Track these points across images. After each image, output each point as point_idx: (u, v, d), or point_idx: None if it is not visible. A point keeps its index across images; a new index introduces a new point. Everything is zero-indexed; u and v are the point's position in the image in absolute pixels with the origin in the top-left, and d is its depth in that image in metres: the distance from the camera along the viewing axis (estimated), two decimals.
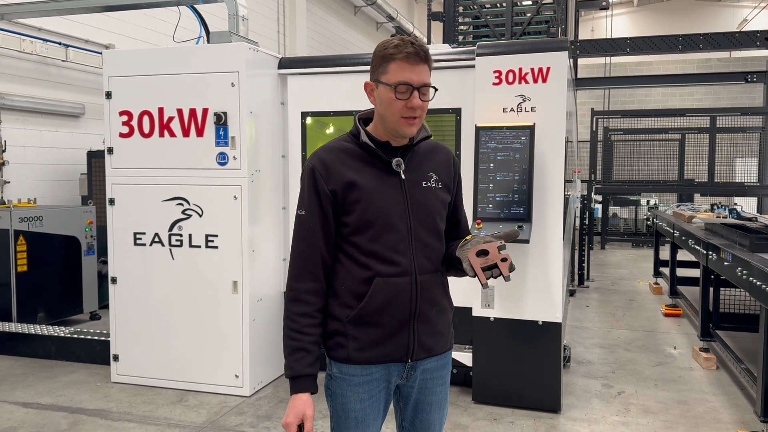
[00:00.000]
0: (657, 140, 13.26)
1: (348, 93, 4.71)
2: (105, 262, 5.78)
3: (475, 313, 4.35)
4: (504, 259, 1.83)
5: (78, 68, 7.88)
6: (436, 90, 1.94)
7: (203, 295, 4.62)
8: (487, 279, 1.84)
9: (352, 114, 4.71)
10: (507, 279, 1.84)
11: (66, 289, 6.57)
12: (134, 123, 4.70)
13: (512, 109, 4.21)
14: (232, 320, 4.56)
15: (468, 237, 1.97)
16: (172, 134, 4.62)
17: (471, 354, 4.45)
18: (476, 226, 4.09)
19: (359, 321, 1.92)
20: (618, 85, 13.73)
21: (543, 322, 4.22)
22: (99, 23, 8.05)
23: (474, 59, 4.33)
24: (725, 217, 6.45)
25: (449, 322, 2.09)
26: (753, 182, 11.08)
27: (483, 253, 1.84)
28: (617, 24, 21.30)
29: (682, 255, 7.19)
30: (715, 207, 7.29)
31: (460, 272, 1.97)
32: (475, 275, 1.86)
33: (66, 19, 7.52)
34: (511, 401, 4.33)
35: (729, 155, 12.01)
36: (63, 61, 7.60)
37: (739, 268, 3.93)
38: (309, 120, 4.91)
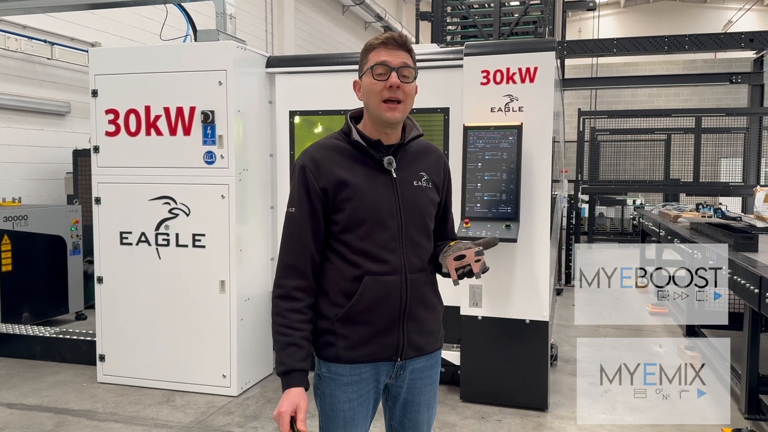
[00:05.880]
0: (643, 140, 13.33)
1: (336, 92, 4.70)
2: (91, 262, 5.74)
3: (463, 312, 4.37)
4: (477, 260, 1.91)
5: (64, 66, 7.81)
6: (416, 71, 1.93)
7: (190, 295, 4.59)
8: (460, 278, 1.93)
9: (340, 113, 4.70)
10: (477, 277, 1.92)
11: (51, 289, 6.51)
12: (121, 121, 4.67)
13: (500, 109, 4.23)
14: (220, 320, 4.54)
15: (452, 243, 1.99)
16: (159, 133, 4.59)
17: (459, 353, 4.46)
18: (464, 225, 4.10)
19: (348, 319, 1.91)
20: (605, 85, 13.80)
21: (530, 320, 4.24)
22: (85, 21, 7.98)
23: (462, 59, 4.34)
24: (710, 217, 6.51)
25: (439, 321, 2.10)
26: (737, 182, 11.16)
27: (461, 257, 1.92)
28: (604, 25, 21.42)
29: (668, 254, 7.24)
30: (701, 206, 7.34)
31: (444, 274, 2.03)
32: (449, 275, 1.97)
33: (51, 16, 7.45)
34: (498, 400, 4.35)
35: (714, 155, 12.10)
36: (48, 59, 7.52)
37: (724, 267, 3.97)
38: (297, 119, 4.90)
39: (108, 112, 4.69)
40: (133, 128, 4.65)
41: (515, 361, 4.29)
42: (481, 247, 1.92)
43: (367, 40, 1.97)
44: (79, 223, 6.76)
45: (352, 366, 1.94)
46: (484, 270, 1.91)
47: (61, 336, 5.38)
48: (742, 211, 10.15)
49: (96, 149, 4.75)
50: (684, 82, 13.01)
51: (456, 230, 2.81)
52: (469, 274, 1.91)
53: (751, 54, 10.74)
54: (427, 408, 2.10)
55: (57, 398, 4.57)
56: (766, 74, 10.67)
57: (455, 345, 4.54)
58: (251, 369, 4.74)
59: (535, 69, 4.15)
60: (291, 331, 1.89)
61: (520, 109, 4.19)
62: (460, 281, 1.94)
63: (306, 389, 1.89)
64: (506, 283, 4.27)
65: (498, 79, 4.23)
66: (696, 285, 5.54)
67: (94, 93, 4.73)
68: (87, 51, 5.15)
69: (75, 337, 5.32)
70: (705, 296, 5.59)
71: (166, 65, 4.57)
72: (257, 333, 4.77)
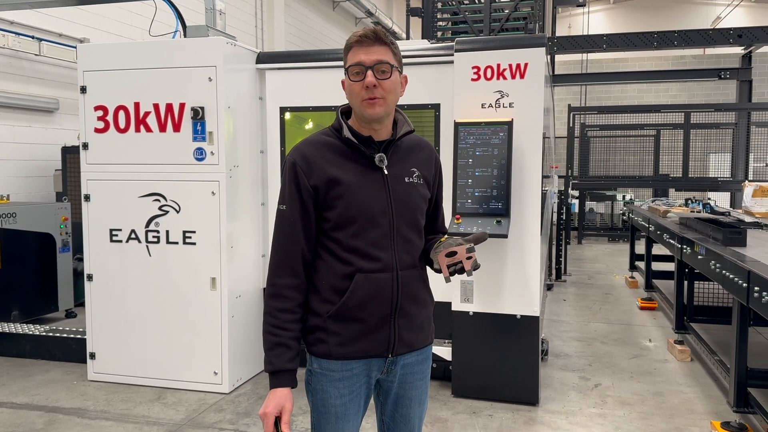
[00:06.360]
0: (632, 136, 13.42)
1: (327, 88, 4.69)
2: (81, 260, 5.70)
3: (454, 308, 4.38)
4: (469, 258, 1.92)
5: (51, 62, 7.75)
6: (392, 66, 1.89)
7: (181, 292, 4.58)
8: (451, 274, 1.94)
9: (331, 109, 4.69)
10: (469, 274, 1.93)
11: (41, 286, 6.47)
12: (110, 118, 4.64)
13: (491, 105, 4.24)
14: (211, 317, 4.53)
15: (443, 239, 1.99)
16: (148, 129, 4.57)
17: (450, 348, 4.47)
18: (455, 221, 4.11)
19: (340, 316, 1.91)
20: (594, 81, 13.87)
21: (521, 315, 4.26)
22: (73, 17, 7.92)
23: (453, 55, 4.34)
24: (699, 212, 6.55)
25: (430, 316, 2.10)
26: (726, 177, 11.25)
27: (452, 254, 1.92)
28: (594, 21, 21.50)
29: (657, 249, 7.30)
30: (690, 201, 7.39)
31: (436, 270, 2.05)
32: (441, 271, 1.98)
33: (39, 12, 7.39)
34: (490, 395, 4.37)
35: (703, 151, 12.20)
36: (36, 55, 7.46)
37: (713, 262, 4.00)
38: (288, 115, 4.89)
39: (97, 108, 4.66)
40: (122, 125, 4.62)
41: (506, 356, 4.30)
42: (471, 244, 1.92)
43: None
44: (69, 220, 6.72)
45: (344, 362, 1.94)
46: (476, 267, 1.92)
47: (50, 334, 5.35)
48: (731, 206, 10.23)
49: (85, 146, 4.72)
50: (673, 78, 13.06)
51: (447, 226, 2.82)
52: (461, 271, 1.92)
53: (739, 50, 10.80)
54: (418, 403, 2.10)
55: (47, 396, 4.54)
56: (754, 70, 10.74)
57: (447, 340, 4.55)
58: (243, 366, 4.74)
59: (526, 65, 4.16)
60: (280, 331, 1.90)
61: (510, 105, 4.20)
62: (451, 278, 1.95)
63: (293, 387, 1.90)
64: (497, 278, 4.28)
65: (488, 75, 4.23)
66: (685, 280, 5.60)
67: (83, 89, 4.69)
68: (75, 47, 5.11)
69: (65, 335, 5.29)
70: (694, 291, 5.64)
71: (156, 61, 4.54)
72: (249, 330, 4.76)
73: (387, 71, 1.88)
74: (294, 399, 1.91)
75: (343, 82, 1.96)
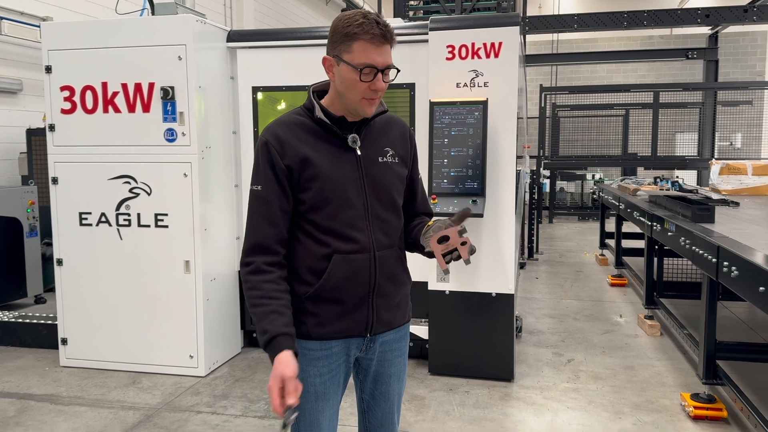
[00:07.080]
0: (602, 116, 13.58)
1: (300, 67, 4.65)
2: (49, 244, 5.58)
3: (431, 287, 4.40)
4: (464, 243, 1.85)
5: (13, 42, 7.50)
6: (398, 71, 1.90)
7: (154, 276, 4.52)
8: (448, 264, 1.87)
9: (304, 89, 4.64)
10: (467, 262, 1.87)
11: (8, 272, 6.33)
12: (77, 98, 4.52)
13: (465, 84, 4.23)
14: (185, 300, 4.49)
15: (430, 222, 1.97)
16: (116, 110, 4.47)
17: (427, 327, 4.50)
18: (432, 200, 4.12)
19: (318, 298, 1.90)
20: (565, 61, 13.96)
21: (496, 293, 4.31)
22: None
23: (427, 34, 4.32)
24: (668, 190, 6.67)
25: (407, 295, 2.10)
26: (693, 155, 11.47)
27: (444, 238, 1.86)
28: (564, 1, 21.55)
29: (627, 227, 7.42)
30: (659, 180, 7.52)
31: (425, 254, 2.02)
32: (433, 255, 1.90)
33: None
34: (466, 372, 4.42)
35: (670, 130, 12.40)
36: None
37: (682, 238, 4.07)
38: (260, 95, 4.82)
39: (63, 89, 4.54)
40: (89, 105, 4.51)
41: (482, 333, 4.35)
42: (462, 225, 1.87)
43: (339, 14, 1.89)
44: (35, 204, 6.57)
45: (323, 341, 1.94)
46: (472, 252, 1.87)
47: (20, 320, 5.25)
48: (698, 184, 10.43)
49: (51, 128, 4.60)
50: (642, 58, 13.23)
51: None
52: (458, 259, 1.87)
53: (706, 30, 10.94)
54: (397, 380, 2.12)
55: (18, 383, 4.47)
56: (720, 50, 10.93)
57: (423, 319, 4.58)
58: (219, 349, 4.71)
59: (500, 44, 4.16)
60: (269, 301, 1.83)
61: (485, 84, 4.20)
62: (450, 271, 1.90)
63: (296, 353, 1.80)
64: (473, 257, 4.30)
65: (463, 54, 4.22)
66: (655, 256, 5.71)
67: (48, 69, 4.56)
68: (38, 26, 4.95)
69: (35, 321, 5.20)
70: (663, 267, 5.76)
71: (123, 40, 4.43)
72: (224, 313, 4.73)
73: (390, 75, 1.87)
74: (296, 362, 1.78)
75: (325, 60, 1.89)
